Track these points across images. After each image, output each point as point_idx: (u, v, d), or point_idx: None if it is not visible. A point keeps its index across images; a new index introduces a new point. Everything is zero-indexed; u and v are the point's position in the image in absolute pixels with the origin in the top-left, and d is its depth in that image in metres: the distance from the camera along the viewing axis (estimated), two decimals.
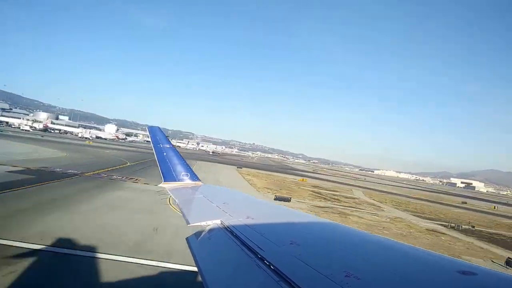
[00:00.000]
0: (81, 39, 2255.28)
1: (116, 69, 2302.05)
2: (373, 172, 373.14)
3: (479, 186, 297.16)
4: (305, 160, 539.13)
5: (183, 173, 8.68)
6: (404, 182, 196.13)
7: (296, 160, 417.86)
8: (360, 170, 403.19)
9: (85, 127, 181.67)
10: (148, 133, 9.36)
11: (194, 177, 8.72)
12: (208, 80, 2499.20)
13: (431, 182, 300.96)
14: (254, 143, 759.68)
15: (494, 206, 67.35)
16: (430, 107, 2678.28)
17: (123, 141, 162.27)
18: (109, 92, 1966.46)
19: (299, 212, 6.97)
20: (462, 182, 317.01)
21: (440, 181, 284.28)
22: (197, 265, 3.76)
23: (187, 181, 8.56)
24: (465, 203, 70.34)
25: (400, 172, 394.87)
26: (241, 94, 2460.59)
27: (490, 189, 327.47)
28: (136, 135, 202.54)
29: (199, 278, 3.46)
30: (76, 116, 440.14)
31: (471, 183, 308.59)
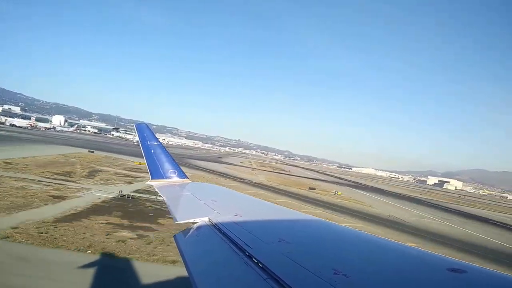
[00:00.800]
0: (71, 33, 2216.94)
1: (104, 64, 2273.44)
2: (351, 169, 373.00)
3: (456, 184, 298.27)
4: (284, 156, 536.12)
5: (171, 170, 8.60)
6: (367, 179, 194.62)
7: (274, 156, 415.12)
8: (338, 167, 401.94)
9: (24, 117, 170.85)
10: (136, 130, 9.29)
11: (182, 174, 8.63)
12: (197, 76, 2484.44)
13: (406, 179, 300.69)
14: (239, 139, 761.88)
15: (335, 192, 76.63)
16: (420, 106, 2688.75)
17: (45, 130, 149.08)
18: (96, 87, 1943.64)
19: (288, 209, 6.59)
20: (439, 180, 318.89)
21: (415, 179, 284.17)
22: (185, 263, 3.78)
23: (175, 179, 8.47)
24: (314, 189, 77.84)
25: (378, 170, 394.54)
26: (230, 91, 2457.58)
27: (468, 188, 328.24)
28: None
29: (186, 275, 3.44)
30: (60, 110, 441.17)
31: (448, 182, 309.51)
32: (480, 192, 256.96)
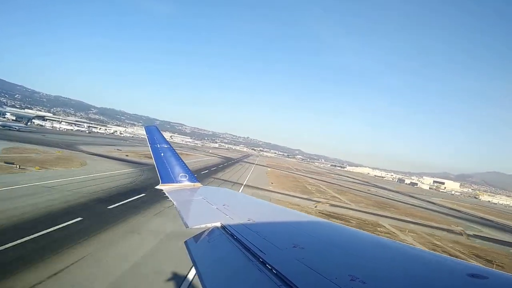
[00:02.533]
0: (76, 25, 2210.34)
1: (110, 58, 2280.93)
2: (344, 168, 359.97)
3: (452, 186, 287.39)
4: (285, 153, 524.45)
5: (182, 174, 8.37)
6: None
7: (266, 154, 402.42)
8: (331, 165, 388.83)
9: None
10: (145, 132, 9.10)
11: (193, 178, 8.43)
12: (204, 71, 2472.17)
13: (389, 179, 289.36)
14: (248, 137, 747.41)
15: None
16: (437, 107, 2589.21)
17: None
18: (102, 82, 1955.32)
19: (302, 213, 6.53)
20: (434, 181, 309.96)
21: (399, 179, 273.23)
22: (196, 270, 3.69)
23: (186, 183, 8.29)
24: None
25: (375, 169, 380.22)
26: (238, 86, 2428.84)
27: (465, 190, 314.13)
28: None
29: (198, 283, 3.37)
30: (60, 103, 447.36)
31: (443, 183, 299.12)
32: (472, 193, 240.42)
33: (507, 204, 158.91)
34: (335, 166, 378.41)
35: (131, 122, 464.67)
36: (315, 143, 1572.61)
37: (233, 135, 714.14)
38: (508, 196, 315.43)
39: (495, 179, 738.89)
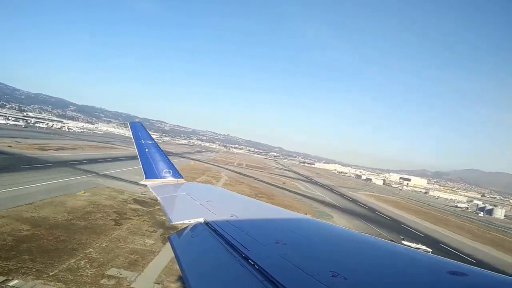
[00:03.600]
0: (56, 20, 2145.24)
1: (92, 55, 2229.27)
2: (313, 165, 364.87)
3: (418, 182, 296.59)
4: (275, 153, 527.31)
5: (166, 170, 8.50)
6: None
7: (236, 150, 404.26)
8: (300, 162, 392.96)
9: None
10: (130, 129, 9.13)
11: (177, 174, 8.51)
12: (186, 68, 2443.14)
13: (350, 175, 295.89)
14: (228, 134, 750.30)
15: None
16: (419, 106, 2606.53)
17: None
18: (84, 79, 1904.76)
19: (285, 210, 6.58)
20: (400, 178, 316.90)
21: (356, 175, 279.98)
22: (179, 265, 3.74)
23: (170, 178, 8.39)
24: None
25: (347, 166, 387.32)
26: (224, 85, 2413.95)
27: (430, 186, 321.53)
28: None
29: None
30: (39, 100, 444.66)
31: (409, 180, 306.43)
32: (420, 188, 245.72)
33: (448, 199, 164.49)
34: (304, 162, 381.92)
35: (108, 119, 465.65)
36: (297, 141, 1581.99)
37: (214, 133, 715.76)
38: (479, 193, 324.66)
39: (472, 177, 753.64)
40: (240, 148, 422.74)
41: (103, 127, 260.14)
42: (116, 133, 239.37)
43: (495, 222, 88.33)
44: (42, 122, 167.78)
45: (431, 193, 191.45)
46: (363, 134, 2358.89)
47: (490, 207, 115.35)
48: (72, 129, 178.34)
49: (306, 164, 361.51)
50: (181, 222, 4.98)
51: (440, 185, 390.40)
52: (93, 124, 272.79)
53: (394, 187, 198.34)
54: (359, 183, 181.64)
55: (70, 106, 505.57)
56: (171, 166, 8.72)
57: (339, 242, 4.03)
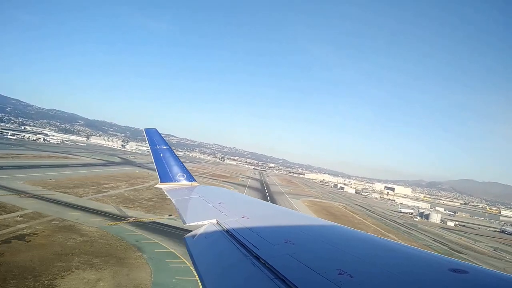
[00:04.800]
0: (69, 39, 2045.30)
1: (104, 72, 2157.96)
2: (302, 175, 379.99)
3: (403, 191, 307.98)
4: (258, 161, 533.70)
5: (180, 174, 8.89)
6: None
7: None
8: (290, 172, 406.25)
9: None
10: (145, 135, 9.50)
11: (190, 178, 8.93)
12: (197, 86, 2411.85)
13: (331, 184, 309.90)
14: (234, 147, 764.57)
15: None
16: (418, 118, 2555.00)
17: None
18: (95, 95, 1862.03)
19: (294, 211, 7.33)
20: (385, 187, 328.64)
21: (334, 184, 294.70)
22: (194, 264, 4.05)
23: (184, 182, 8.77)
24: None
25: (337, 176, 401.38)
26: (230, 100, 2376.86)
27: (416, 195, 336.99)
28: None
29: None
30: (49, 116, 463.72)
31: (393, 188, 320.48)
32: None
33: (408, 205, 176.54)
34: (293, 173, 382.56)
35: (115, 133, 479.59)
36: (301, 154, 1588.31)
37: (220, 145, 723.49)
38: (466, 202, 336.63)
39: (465, 186, 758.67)
40: (234, 159, 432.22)
41: (94, 140, 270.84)
42: (105, 145, 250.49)
43: (418, 225, 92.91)
44: (19, 134, 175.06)
45: (398, 200, 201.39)
46: (367, 147, 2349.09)
47: (428, 212, 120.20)
48: (48, 140, 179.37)
49: (295, 174, 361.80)
50: (195, 223, 5.28)
51: (431, 195, 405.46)
52: (89, 137, 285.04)
53: (362, 195, 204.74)
54: (328, 191, 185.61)
55: (79, 121, 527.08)
56: (185, 170, 8.94)
57: (345, 242, 4.19)
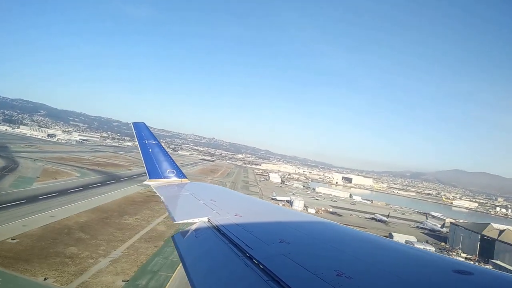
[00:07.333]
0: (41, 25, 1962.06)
1: (71, 59, 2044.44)
2: (260, 165, 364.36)
3: (362, 182, 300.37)
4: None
5: (169, 170, 8.53)
6: None
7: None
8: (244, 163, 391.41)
9: None
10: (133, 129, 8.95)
11: (180, 174, 8.60)
12: (177, 73, 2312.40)
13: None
14: (213, 138, 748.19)
15: None
16: (409, 109, 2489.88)
17: None
18: (68, 84, 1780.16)
19: (289, 209, 6.69)
20: (343, 178, 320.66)
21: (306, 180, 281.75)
22: (183, 264, 3.74)
23: (173, 178, 8.47)
24: None
25: (298, 166, 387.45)
26: (209, 88, 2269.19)
27: (377, 186, 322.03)
28: None
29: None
30: (41, 114, 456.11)
31: (351, 178, 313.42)
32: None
33: (332, 195, 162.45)
34: (251, 163, 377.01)
35: (77, 124, 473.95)
36: (286, 146, 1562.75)
37: (198, 136, 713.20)
38: (436, 191, 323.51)
39: (453, 177, 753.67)
40: (190, 150, 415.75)
41: (20, 130, 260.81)
42: (28, 135, 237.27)
43: None
44: None
45: (339, 192, 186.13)
46: (354, 138, 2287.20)
47: (292, 200, 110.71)
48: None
49: (247, 165, 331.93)
50: (185, 221, 5.03)
51: (411, 186, 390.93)
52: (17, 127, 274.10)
53: (286, 184, 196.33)
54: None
55: (41, 111, 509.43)
56: (175, 166, 8.64)
57: (343, 241, 4.05)
